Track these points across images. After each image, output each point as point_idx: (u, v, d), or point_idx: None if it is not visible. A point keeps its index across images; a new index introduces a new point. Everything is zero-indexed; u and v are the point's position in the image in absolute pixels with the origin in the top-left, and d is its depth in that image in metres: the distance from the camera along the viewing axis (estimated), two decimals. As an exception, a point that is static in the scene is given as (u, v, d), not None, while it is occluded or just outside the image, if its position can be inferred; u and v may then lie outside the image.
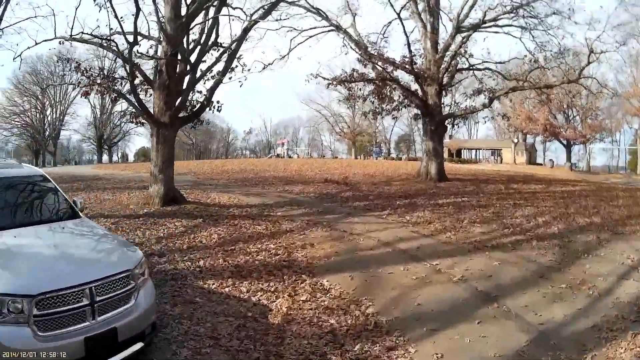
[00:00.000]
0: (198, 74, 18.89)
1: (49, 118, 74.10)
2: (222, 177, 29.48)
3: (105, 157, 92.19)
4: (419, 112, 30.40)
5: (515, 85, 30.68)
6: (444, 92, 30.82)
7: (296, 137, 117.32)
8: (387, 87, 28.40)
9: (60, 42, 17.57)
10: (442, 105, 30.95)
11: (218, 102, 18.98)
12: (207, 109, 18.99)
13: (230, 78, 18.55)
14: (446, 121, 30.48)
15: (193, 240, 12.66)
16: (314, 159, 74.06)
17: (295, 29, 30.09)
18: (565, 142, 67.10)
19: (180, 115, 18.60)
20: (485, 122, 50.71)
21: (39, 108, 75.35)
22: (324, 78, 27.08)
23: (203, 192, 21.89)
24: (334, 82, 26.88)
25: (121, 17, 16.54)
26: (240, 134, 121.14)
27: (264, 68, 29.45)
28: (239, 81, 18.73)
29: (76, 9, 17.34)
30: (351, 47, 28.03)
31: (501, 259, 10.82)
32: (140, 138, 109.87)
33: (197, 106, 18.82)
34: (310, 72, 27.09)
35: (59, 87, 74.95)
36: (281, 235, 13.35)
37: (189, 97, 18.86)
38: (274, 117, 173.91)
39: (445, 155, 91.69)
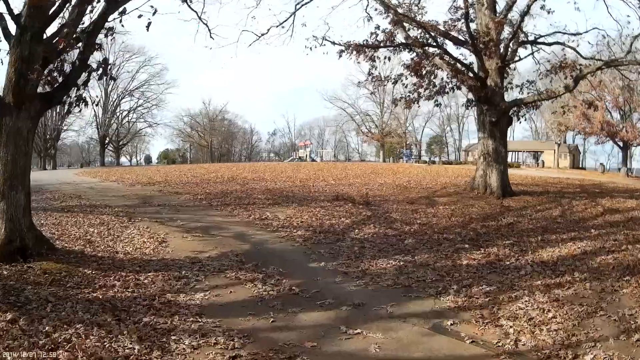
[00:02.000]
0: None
1: (51, 118, 65.26)
2: (194, 190, 20.00)
3: (122, 160, 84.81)
4: (473, 97, 20.36)
5: (612, 59, 20.28)
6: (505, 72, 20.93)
7: (322, 139, 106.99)
8: (429, 59, 18.51)
9: None
10: (505, 89, 21.02)
11: (105, 61, 9.27)
12: (86, 73, 9.48)
13: (123, 12, 8.92)
14: (511, 111, 20.46)
15: None
16: (337, 162, 64.11)
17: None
18: (621, 143, 55.94)
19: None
20: (565, 112, 37.54)
21: None
22: (334, 43, 17.36)
23: (124, 223, 12.59)
24: (349, 49, 17.09)
25: None
26: (265, 135, 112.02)
27: (257, 39, 20.25)
28: (117, 24, 9.15)
29: None
30: (377, 9, 18.30)
31: None
32: (160, 139, 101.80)
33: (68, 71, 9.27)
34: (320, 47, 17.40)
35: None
36: None
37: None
38: (299, 117, 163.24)
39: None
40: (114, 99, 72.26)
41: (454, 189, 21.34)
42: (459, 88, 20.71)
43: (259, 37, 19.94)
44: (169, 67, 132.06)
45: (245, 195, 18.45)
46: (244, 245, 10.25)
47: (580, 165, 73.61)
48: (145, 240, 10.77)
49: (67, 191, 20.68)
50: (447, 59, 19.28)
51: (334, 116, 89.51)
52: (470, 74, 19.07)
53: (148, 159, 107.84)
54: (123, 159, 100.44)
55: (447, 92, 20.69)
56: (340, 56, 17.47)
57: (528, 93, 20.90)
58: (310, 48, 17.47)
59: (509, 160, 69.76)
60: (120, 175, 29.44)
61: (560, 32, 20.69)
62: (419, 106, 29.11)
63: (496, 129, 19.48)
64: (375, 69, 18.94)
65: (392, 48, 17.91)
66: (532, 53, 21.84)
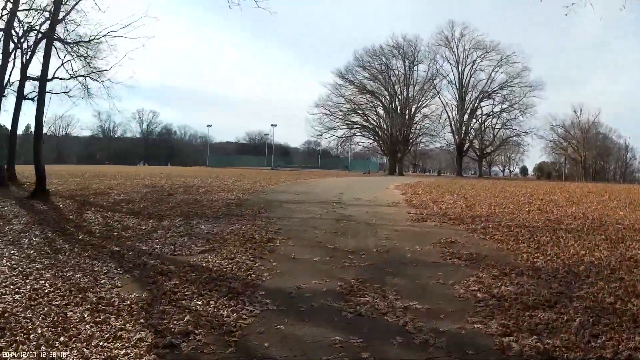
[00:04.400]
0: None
1: (398, 119, 61.48)
2: (518, 253, 8.72)
3: (495, 170, 77.06)
4: None
5: None
6: None
7: None
8: None
9: None
10: None
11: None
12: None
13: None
14: None
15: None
16: None
17: None
18: None
19: None
20: None
21: (385, 107, 63.63)
22: None
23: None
24: None
25: None
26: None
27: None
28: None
29: None
30: None
31: None
32: (534, 150, 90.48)
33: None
34: None
35: (404, 85, 62.85)
36: None
37: None
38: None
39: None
40: (471, 101, 64.55)
41: None
42: None
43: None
44: (534, 67, 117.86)
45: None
46: None
47: None
48: None
49: (289, 221, 12.68)
50: None
51: None
52: None
53: (524, 171, 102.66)
54: (495, 169, 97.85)
55: None
56: None
57: None
58: None
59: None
60: (438, 195, 19.54)
61: None
62: None
63: None
64: None
65: None
66: None
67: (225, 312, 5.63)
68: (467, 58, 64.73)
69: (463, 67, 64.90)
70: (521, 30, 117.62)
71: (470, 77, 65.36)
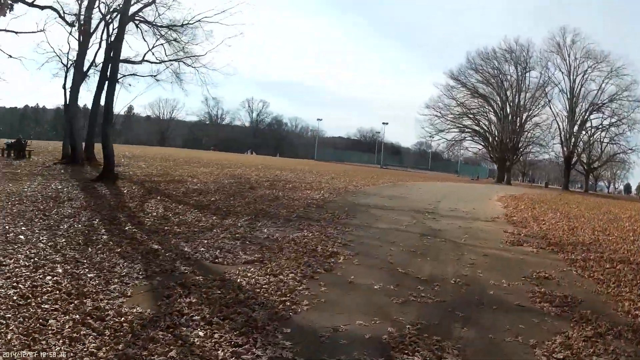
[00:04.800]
0: None
1: (509, 126, 58.55)
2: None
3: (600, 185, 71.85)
4: None
5: None
6: None
7: None
8: None
9: None
10: None
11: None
12: None
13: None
14: None
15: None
16: None
17: None
18: None
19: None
20: None
21: (497, 113, 60.52)
22: None
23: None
24: None
25: None
26: None
27: None
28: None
29: None
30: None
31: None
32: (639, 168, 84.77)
33: None
34: None
35: (516, 91, 59.51)
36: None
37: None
38: None
39: None
40: (581, 113, 59.85)
41: None
42: None
43: None
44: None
45: None
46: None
47: None
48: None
49: (366, 231, 11.02)
50: None
51: None
52: None
53: (627, 189, 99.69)
54: (601, 184, 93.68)
55: None
56: None
57: None
58: None
59: None
60: (541, 212, 17.22)
61: None
62: None
63: None
64: None
65: None
66: None
67: (225, 352, 4.37)
68: (578, 67, 60.13)
69: (574, 77, 60.46)
70: (624, 35, 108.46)
71: (581, 87, 60.82)
